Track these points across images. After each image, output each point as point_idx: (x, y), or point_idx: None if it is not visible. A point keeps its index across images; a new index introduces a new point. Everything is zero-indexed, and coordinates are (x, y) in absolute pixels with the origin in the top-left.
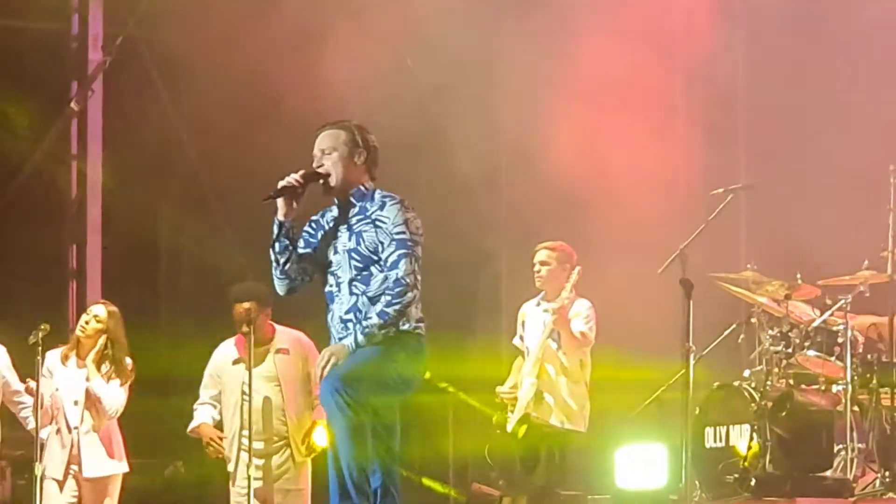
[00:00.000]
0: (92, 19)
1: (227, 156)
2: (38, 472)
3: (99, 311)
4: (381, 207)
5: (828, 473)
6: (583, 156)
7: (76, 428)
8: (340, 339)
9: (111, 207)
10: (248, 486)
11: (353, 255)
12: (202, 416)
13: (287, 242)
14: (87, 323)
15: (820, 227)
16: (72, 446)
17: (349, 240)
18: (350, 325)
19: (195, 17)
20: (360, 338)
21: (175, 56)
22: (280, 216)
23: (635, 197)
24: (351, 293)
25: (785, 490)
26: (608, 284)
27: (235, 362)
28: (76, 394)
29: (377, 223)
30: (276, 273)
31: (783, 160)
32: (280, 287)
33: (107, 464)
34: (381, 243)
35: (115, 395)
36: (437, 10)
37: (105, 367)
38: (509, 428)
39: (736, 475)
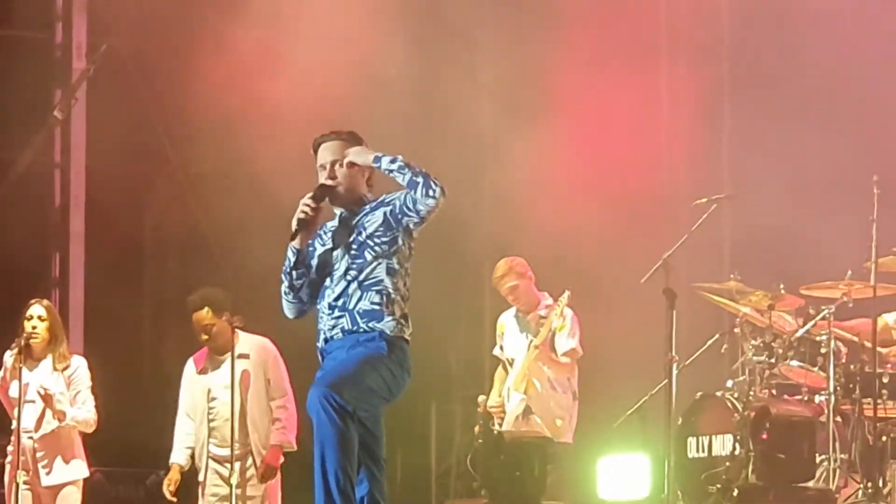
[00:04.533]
0: (76, 28)
1: (210, 165)
2: (19, 479)
3: (40, 311)
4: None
5: (810, 484)
6: (566, 166)
7: (27, 432)
8: (330, 327)
9: (94, 216)
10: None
11: (351, 247)
12: (177, 454)
13: (304, 270)
14: (34, 328)
15: (803, 237)
16: (26, 452)
17: (348, 236)
18: (338, 311)
19: (179, 26)
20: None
21: (159, 65)
22: (296, 244)
23: (618, 206)
24: (343, 279)
25: (767, 500)
26: (591, 294)
27: (199, 372)
28: (30, 395)
29: (384, 204)
30: (287, 298)
31: (766, 169)
32: (291, 311)
33: (64, 470)
34: (391, 210)
35: (86, 409)
36: (417, 19)
37: (54, 361)
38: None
39: (718, 485)
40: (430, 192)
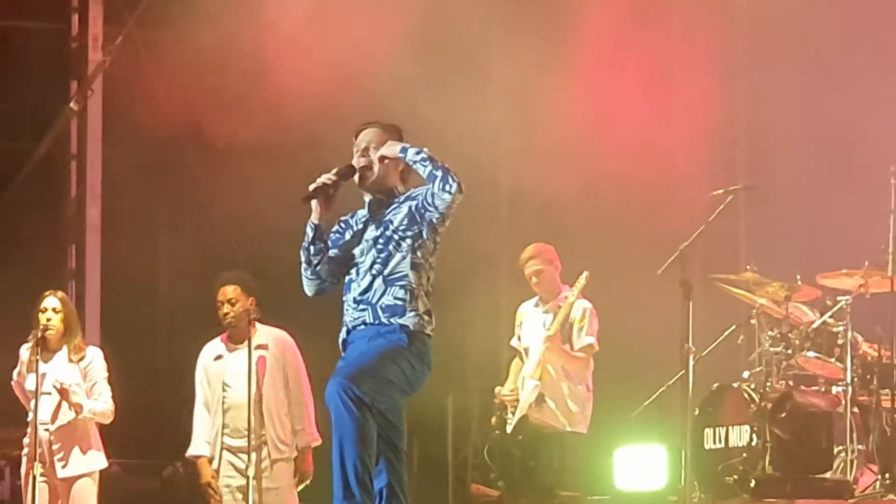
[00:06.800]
0: (92, 19)
1: (225, 156)
2: (36, 471)
3: (54, 303)
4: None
5: (827, 475)
6: (582, 158)
7: (44, 424)
8: (353, 318)
9: (110, 208)
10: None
11: (378, 241)
12: (199, 445)
13: (321, 245)
14: (49, 320)
15: (820, 228)
16: (43, 444)
17: (376, 230)
18: (363, 304)
19: (195, 18)
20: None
21: (174, 56)
22: (314, 219)
23: (634, 198)
24: (369, 273)
25: (785, 491)
26: (608, 285)
27: (216, 359)
28: (46, 388)
29: (410, 198)
30: (306, 274)
31: (783, 161)
32: (310, 288)
33: (79, 462)
34: (416, 205)
35: (103, 401)
36: (431, 8)
37: (69, 352)
38: (509, 429)
39: (735, 476)
40: (447, 188)
